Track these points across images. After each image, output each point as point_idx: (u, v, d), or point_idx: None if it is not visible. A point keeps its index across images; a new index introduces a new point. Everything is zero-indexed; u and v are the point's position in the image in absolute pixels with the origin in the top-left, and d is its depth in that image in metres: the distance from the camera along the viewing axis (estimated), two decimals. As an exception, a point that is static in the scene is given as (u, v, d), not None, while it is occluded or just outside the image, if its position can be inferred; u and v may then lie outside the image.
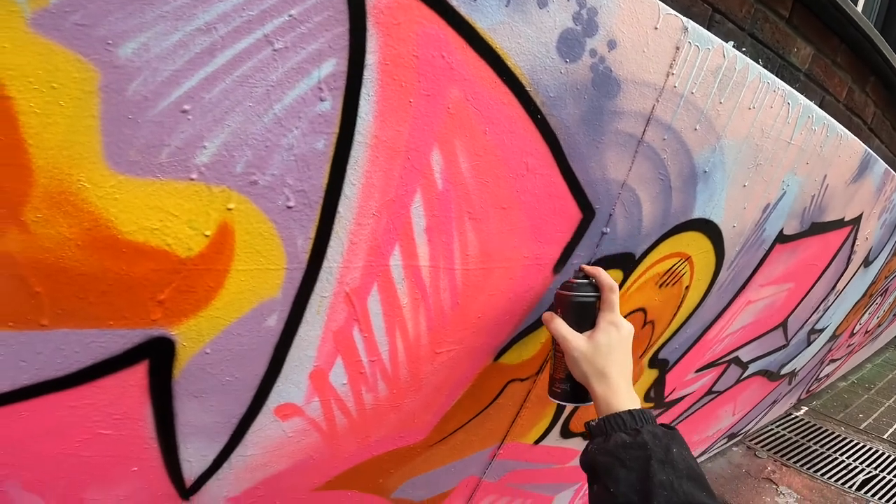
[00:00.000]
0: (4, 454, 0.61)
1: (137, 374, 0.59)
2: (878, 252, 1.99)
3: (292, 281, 0.60)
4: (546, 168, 0.68)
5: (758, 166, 0.93)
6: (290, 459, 0.83)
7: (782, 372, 2.33)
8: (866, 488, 2.80)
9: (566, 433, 1.31)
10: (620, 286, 0.93)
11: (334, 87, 0.52)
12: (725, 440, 2.81)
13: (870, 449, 3.18)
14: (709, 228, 0.96)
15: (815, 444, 3.21)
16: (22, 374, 0.54)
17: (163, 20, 0.43)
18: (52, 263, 0.47)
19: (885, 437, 3.34)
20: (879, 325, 3.60)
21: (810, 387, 3.31)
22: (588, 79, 0.65)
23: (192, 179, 0.49)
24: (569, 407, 1.18)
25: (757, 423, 3.04)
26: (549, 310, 0.77)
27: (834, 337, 2.62)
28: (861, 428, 3.45)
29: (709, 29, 0.75)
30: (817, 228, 1.31)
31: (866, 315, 2.95)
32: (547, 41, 0.60)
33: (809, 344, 2.27)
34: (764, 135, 0.89)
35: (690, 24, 0.70)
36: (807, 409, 3.61)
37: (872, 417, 3.59)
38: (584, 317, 0.71)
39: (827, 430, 3.37)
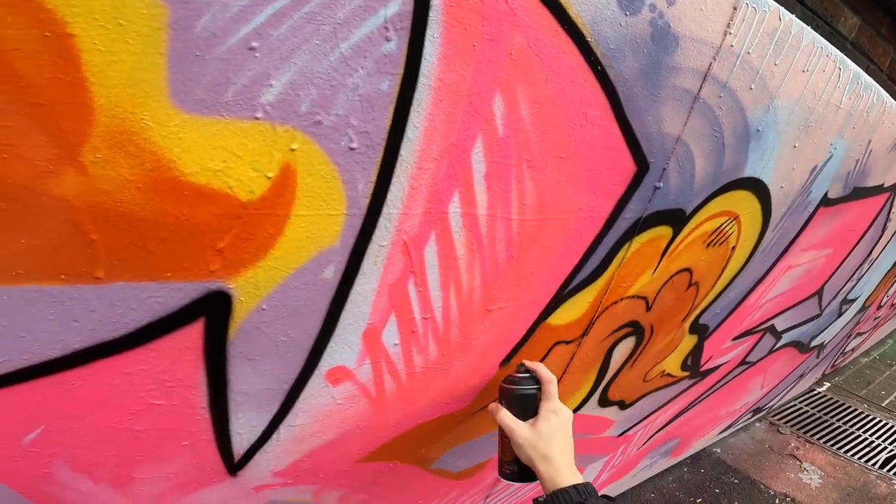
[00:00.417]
0: (53, 431, 0.60)
1: (193, 335, 0.58)
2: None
3: (351, 228, 0.58)
4: (604, 119, 0.69)
5: (808, 128, 0.96)
6: (337, 429, 0.82)
7: (812, 344, 2.36)
8: (889, 466, 2.85)
9: (604, 402, 1.32)
10: (669, 244, 0.95)
11: (400, 28, 0.51)
12: (750, 415, 2.84)
13: (892, 427, 3.23)
14: (758, 188, 1.00)
15: (837, 420, 3.26)
16: (74, 337, 0.52)
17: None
18: (110, 208, 0.46)
19: (907, 415, 3.39)
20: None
21: (835, 361, 3.36)
22: (647, 33, 0.65)
23: (256, 118, 0.48)
24: (609, 374, 1.19)
25: (782, 397, 3.08)
26: (494, 401, 0.85)
27: (863, 308, 2.66)
28: (883, 405, 3.50)
29: (760, -6, 0.75)
30: (859, 193, 1.35)
31: (894, 286, 2.97)
32: (608, -7, 0.60)
33: (840, 315, 2.30)
34: (815, 97, 0.92)
35: (747, -14, 0.70)
36: (829, 385, 3.65)
37: (894, 395, 3.64)
38: (527, 407, 0.80)
39: (850, 407, 3.41)
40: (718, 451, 2.85)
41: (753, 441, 3.00)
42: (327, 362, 0.70)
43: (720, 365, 1.68)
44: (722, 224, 1.01)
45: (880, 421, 3.28)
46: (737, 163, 0.90)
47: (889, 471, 2.81)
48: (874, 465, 2.87)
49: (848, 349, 3.38)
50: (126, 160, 0.44)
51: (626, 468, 2.04)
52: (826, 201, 1.24)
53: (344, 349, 0.69)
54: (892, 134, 1.25)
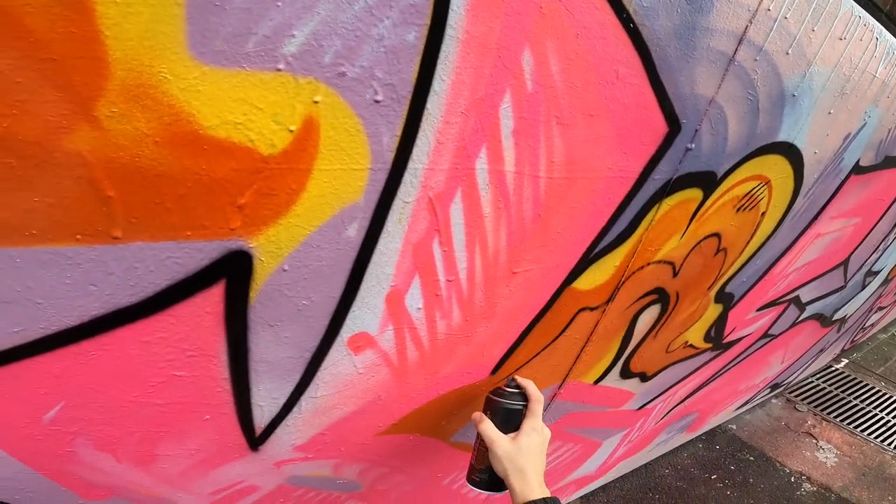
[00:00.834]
0: (74, 406, 0.60)
1: (213, 299, 0.57)
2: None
3: (375, 183, 0.57)
4: (636, 78, 0.68)
5: (843, 95, 0.97)
6: (359, 400, 0.82)
7: (835, 317, 2.36)
8: (905, 447, 2.87)
9: (626, 373, 1.32)
10: (699, 207, 0.95)
11: (427, -23, 0.49)
12: (768, 390, 2.85)
13: (910, 407, 3.24)
14: (791, 153, 1.00)
15: (854, 398, 3.27)
16: (92, 303, 0.52)
17: None
18: (126, 163, 0.45)
19: (925, 394, 3.39)
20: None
21: (855, 336, 3.36)
22: (681, -7, 0.64)
23: (278, 70, 0.46)
24: (632, 343, 1.19)
25: (801, 373, 3.09)
26: (480, 411, 0.87)
27: (886, 281, 2.65)
28: (901, 383, 3.51)
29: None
30: (890, 162, 1.36)
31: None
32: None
33: (864, 287, 2.30)
34: (852, 66, 0.94)
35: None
36: (847, 361, 3.65)
37: (912, 373, 3.65)
38: (511, 421, 0.84)
39: (867, 385, 3.42)
40: (734, 427, 2.87)
41: (770, 418, 3.01)
42: (349, 328, 0.69)
43: (743, 337, 1.68)
44: (753, 188, 1.01)
45: (898, 400, 3.30)
46: (771, 127, 0.91)
47: (905, 452, 2.83)
48: (890, 444, 2.89)
49: (868, 324, 3.37)
50: (143, 114, 0.43)
51: (642, 443, 2.06)
52: (858, 169, 1.25)
53: (366, 314, 0.69)
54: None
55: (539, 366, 1.04)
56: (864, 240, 1.73)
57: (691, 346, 1.44)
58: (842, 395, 3.28)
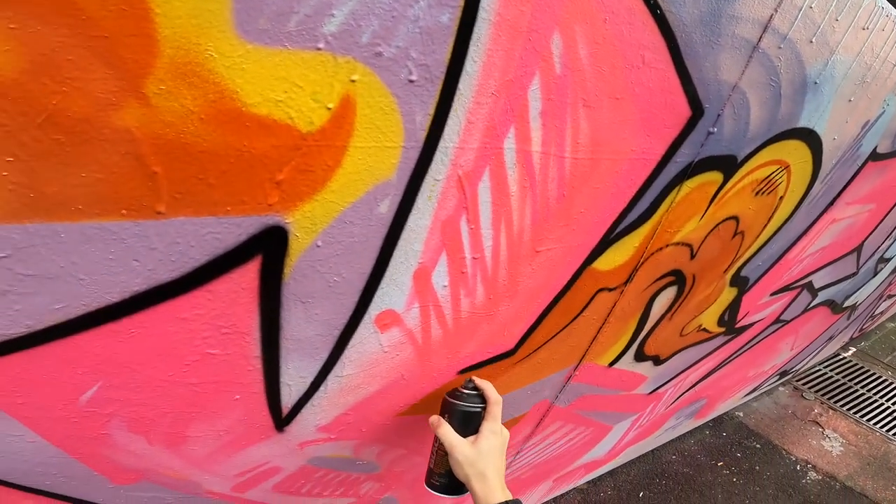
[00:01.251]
0: (111, 387, 0.62)
1: (249, 275, 0.59)
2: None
3: (408, 161, 0.59)
4: (661, 63, 0.70)
5: (864, 84, 1.00)
6: (383, 380, 0.84)
7: (845, 304, 2.39)
8: (909, 437, 2.90)
9: (640, 356, 1.34)
10: (719, 190, 0.96)
11: (460, -40, 0.50)
12: (777, 377, 2.88)
13: (915, 396, 3.28)
14: (811, 139, 1.03)
15: (861, 387, 3.30)
16: (134, 279, 0.53)
17: None
18: (172, 139, 0.46)
19: (931, 385, 3.42)
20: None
21: (864, 325, 3.39)
22: (707, -20, 0.66)
23: (318, 49, 0.48)
24: (647, 325, 1.21)
25: (809, 361, 3.12)
26: (437, 414, 0.87)
27: None
28: (908, 374, 3.54)
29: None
30: None
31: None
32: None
33: (876, 274, 2.33)
34: (874, 55, 0.96)
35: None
36: (854, 350, 3.68)
37: (920, 363, 3.68)
38: (470, 424, 0.83)
39: (874, 374, 3.45)
40: (741, 415, 2.91)
41: (777, 406, 3.05)
42: (377, 305, 0.71)
43: (755, 322, 1.70)
44: (772, 173, 1.04)
45: (904, 390, 3.33)
46: (792, 113, 0.93)
47: (909, 443, 2.87)
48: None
49: (877, 312, 3.40)
50: (189, 91, 0.45)
51: (651, 428, 2.09)
52: (875, 156, 1.28)
53: (394, 291, 0.71)
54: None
55: (557, 346, 1.06)
56: (877, 226, 1.76)
57: (705, 329, 1.46)
58: (849, 384, 3.32)
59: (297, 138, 0.51)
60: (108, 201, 0.47)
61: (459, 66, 0.56)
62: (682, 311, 1.28)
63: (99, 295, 0.53)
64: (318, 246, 0.60)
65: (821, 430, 2.93)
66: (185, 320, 0.59)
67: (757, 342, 1.92)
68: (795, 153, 1.04)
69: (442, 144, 0.60)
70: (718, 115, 0.82)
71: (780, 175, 1.06)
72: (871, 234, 1.76)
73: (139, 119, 0.44)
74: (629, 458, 2.36)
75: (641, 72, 0.69)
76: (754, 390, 2.80)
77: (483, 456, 0.79)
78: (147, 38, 0.41)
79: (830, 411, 3.07)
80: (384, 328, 0.75)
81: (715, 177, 0.93)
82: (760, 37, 0.76)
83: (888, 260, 2.31)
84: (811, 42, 0.83)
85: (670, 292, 1.16)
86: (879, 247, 1.98)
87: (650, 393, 1.64)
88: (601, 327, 1.10)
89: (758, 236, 1.20)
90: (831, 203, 1.32)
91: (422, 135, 0.58)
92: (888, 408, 3.15)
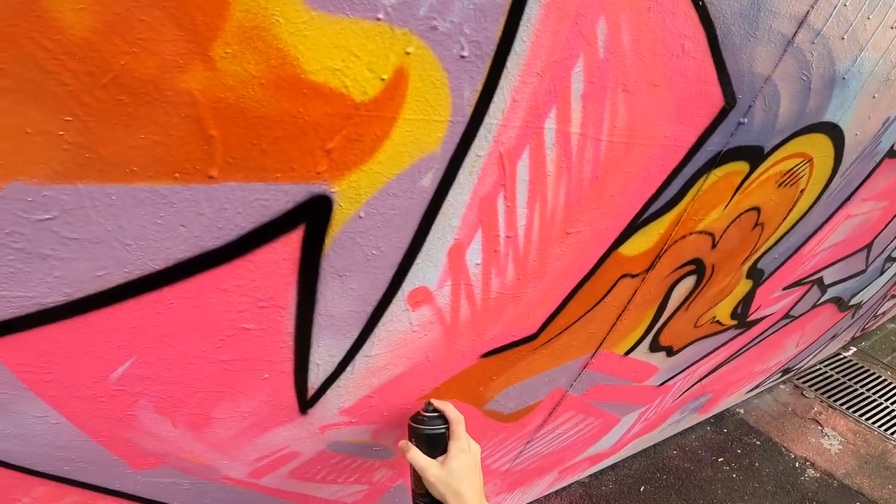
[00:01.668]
0: (144, 363, 0.62)
1: (291, 245, 0.59)
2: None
3: (453, 135, 0.60)
4: (700, 52, 0.72)
5: (888, 81, 1.02)
6: (409, 361, 0.85)
7: (851, 302, 2.42)
8: (907, 437, 2.95)
9: (655, 346, 1.36)
10: (744, 180, 0.98)
11: (516, -59, 0.51)
12: (779, 374, 2.92)
13: (913, 397, 3.32)
14: (835, 133, 1.05)
15: (861, 386, 3.34)
16: (179, 246, 0.54)
17: None
18: (232, 104, 0.47)
19: (930, 386, 3.46)
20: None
21: (867, 324, 3.43)
22: (749, -25, 0.68)
23: (378, 19, 0.49)
24: (665, 314, 1.23)
25: (811, 359, 3.16)
26: (406, 439, 0.90)
27: None
28: (907, 374, 3.59)
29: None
30: None
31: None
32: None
33: (882, 272, 2.36)
34: None
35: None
36: (855, 349, 3.73)
37: (920, 364, 3.73)
38: (436, 445, 0.86)
39: (874, 374, 3.49)
40: (742, 411, 2.95)
41: (777, 403, 3.09)
42: (411, 282, 0.72)
43: (765, 317, 1.73)
44: (796, 165, 1.06)
45: (902, 390, 3.37)
46: (819, 107, 0.95)
47: (907, 443, 2.91)
48: (894, 434, 2.97)
49: (880, 311, 3.45)
50: (253, 56, 0.45)
51: (657, 422, 2.12)
52: (892, 153, 1.31)
53: (428, 267, 0.72)
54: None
55: (577, 332, 1.08)
56: (888, 224, 1.79)
57: (718, 322, 1.49)
58: (849, 383, 3.36)
59: (351, 107, 0.52)
60: (162, 164, 0.48)
61: (509, 44, 0.57)
62: (699, 302, 1.30)
63: (143, 262, 0.53)
64: (361, 217, 0.61)
65: (820, 428, 2.97)
66: (225, 291, 0.60)
67: (765, 337, 1.95)
68: (819, 147, 1.06)
69: (486, 121, 0.61)
70: (750, 107, 0.84)
71: (803, 168, 1.08)
72: (881, 231, 1.79)
73: (202, 82, 0.45)
74: (632, 451, 2.38)
75: (680, 60, 0.71)
76: (757, 387, 2.83)
77: (454, 475, 0.81)
78: (219, 0, 0.42)
79: (830, 410, 3.11)
80: (416, 306, 0.76)
81: (741, 167, 0.95)
82: (796, 32, 0.78)
83: (895, 259, 2.36)
84: (843, 39, 0.85)
85: (689, 281, 1.18)
86: (888, 245, 2.02)
87: (660, 385, 1.66)
88: (621, 314, 1.12)
89: (777, 228, 1.22)
90: (848, 198, 1.35)
91: (468, 110, 0.59)
92: (887, 407, 3.19)
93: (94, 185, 0.47)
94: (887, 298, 3.20)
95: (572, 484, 2.24)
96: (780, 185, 1.07)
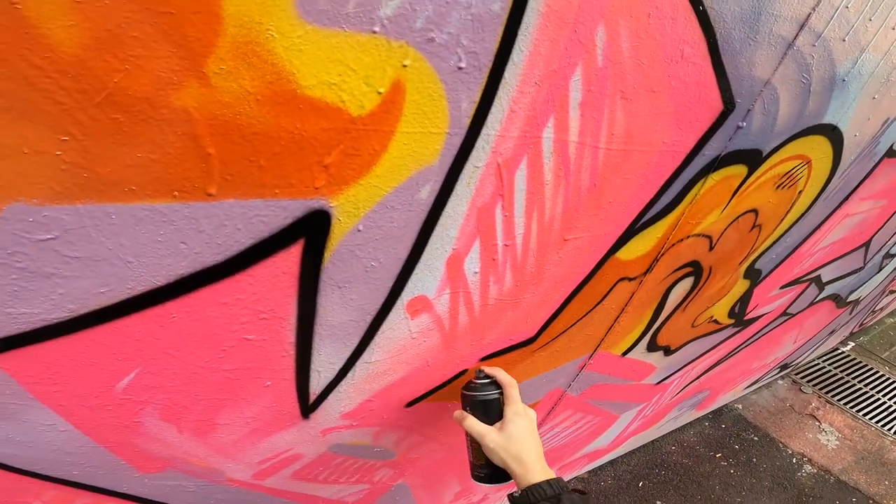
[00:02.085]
0: (148, 373, 0.62)
1: (291, 259, 0.59)
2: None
3: (451, 147, 0.59)
4: (699, 58, 0.71)
5: (888, 82, 1.02)
6: (408, 366, 0.85)
7: (849, 298, 2.42)
8: (904, 433, 2.94)
9: (652, 346, 1.36)
10: (742, 182, 0.98)
11: (513, -50, 0.51)
12: (777, 370, 2.92)
13: (912, 393, 3.31)
14: (834, 135, 1.05)
15: (859, 382, 3.32)
16: (180, 262, 0.53)
17: None
18: (228, 121, 0.46)
19: (928, 380, 3.45)
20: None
21: (865, 319, 3.43)
22: (751, -21, 0.67)
23: (374, 32, 0.48)
24: (662, 316, 1.23)
25: (809, 354, 3.15)
26: (459, 409, 0.88)
27: None
28: (904, 369, 3.58)
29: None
30: None
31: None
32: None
33: (881, 269, 2.36)
34: None
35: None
36: (853, 344, 3.71)
37: (917, 358, 3.72)
38: (492, 411, 0.84)
39: (871, 369, 3.47)
40: (740, 407, 2.95)
41: (775, 399, 3.08)
42: (410, 291, 0.72)
43: (763, 315, 1.72)
44: (794, 167, 1.06)
45: (900, 385, 3.36)
46: (819, 109, 0.95)
47: (904, 438, 2.90)
48: (891, 429, 2.96)
49: (878, 307, 3.45)
50: (248, 72, 0.45)
51: (655, 418, 2.12)
52: (891, 153, 1.31)
53: (427, 277, 0.71)
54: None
55: (575, 335, 1.08)
56: (887, 221, 1.79)
57: (715, 321, 1.48)
58: (846, 379, 3.35)
59: (348, 122, 0.51)
60: (161, 182, 0.47)
61: (507, 54, 0.56)
62: (696, 302, 1.30)
63: (145, 278, 0.53)
64: (359, 230, 0.60)
65: (818, 423, 2.97)
66: (226, 305, 0.60)
67: (763, 334, 1.95)
68: (818, 148, 1.05)
69: (484, 132, 0.61)
70: (749, 110, 0.83)
71: (801, 170, 1.07)
72: (880, 229, 1.79)
73: (198, 99, 0.44)
74: (630, 448, 2.39)
75: (679, 66, 0.70)
76: (755, 383, 2.83)
77: (513, 440, 0.79)
78: (212, 16, 0.41)
79: (828, 405, 3.11)
80: (414, 314, 0.76)
81: (739, 170, 0.94)
82: (797, 34, 0.77)
83: (894, 256, 2.35)
84: (844, 40, 0.84)
85: (686, 283, 1.18)
86: (887, 242, 2.02)
87: (658, 383, 1.66)
88: (618, 317, 1.12)
89: (774, 229, 1.22)
90: (846, 198, 1.34)
91: (466, 122, 0.58)
92: (884, 402, 3.19)
93: (93, 204, 0.46)
94: (885, 294, 3.19)
95: (571, 480, 2.25)
96: (778, 186, 1.07)
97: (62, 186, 0.45)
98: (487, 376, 0.87)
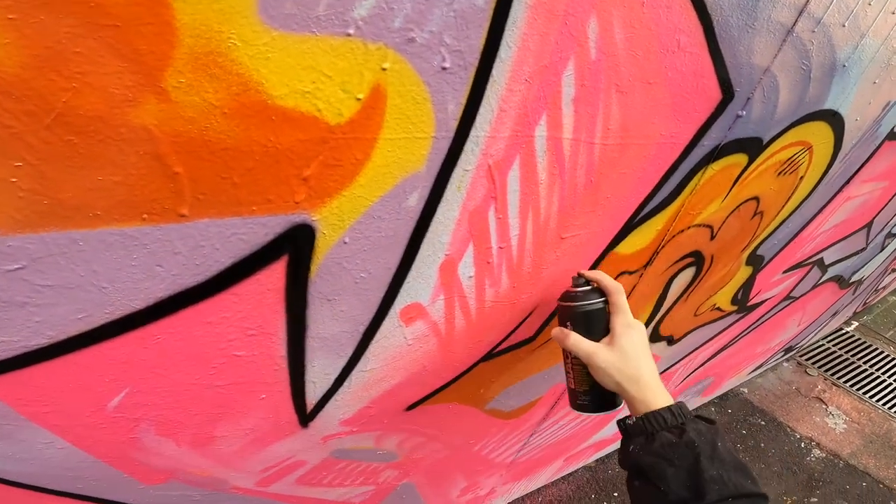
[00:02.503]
0: (139, 392, 0.60)
1: (275, 276, 0.56)
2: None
3: (438, 151, 0.56)
4: (696, 47, 0.67)
5: (889, 66, 0.99)
6: (405, 372, 0.83)
7: (852, 279, 2.38)
8: (910, 414, 2.91)
9: (655, 337, 1.33)
10: (743, 171, 0.95)
11: (496, -61, 0.47)
12: (782, 353, 2.88)
13: (917, 373, 3.26)
14: (835, 120, 1.02)
15: (864, 363, 3.29)
16: (158, 285, 0.50)
17: None
18: (194, 137, 0.43)
19: (932, 360, 3.41)
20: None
21: (868, 298, 3.39)
22: (747, -36, 0.63)
23: (348, 35, 0.44)
24: (664, 307, 1.19)
25: (813, 336, 3.11)
26: (557, 326, 0.76)
27: None
28: (910, 347, 3.53)
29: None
30: None
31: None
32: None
33: (883, 248, 2.33)
34: None
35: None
36: (857, 324, 3.67)
37: (922, 337, 3.67)
38: (596, 324, 0.72)
39: (876, 349, 3.44)
40: (745, 391, 2.91)
41: (781, 382, 3.04)
42: (403, 300, 0.69)
43: (766, 300, 1.69)
44: (796, 153, 1.03)
45: (906, 366, 3.31)
46: (819, 95, 0.91)
47: (911, 419, 2.87)
48: None
49: (882, 286, 3.41)
50: (211, 84, 0.41)
51: (660, 405, 2.09)
52: (892, 135, 1.27)
53: (420, 284, 0.68)
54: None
55: (576, 332, 1.05)
56: (888, 202, 1.76)
57: (718, 308, 1.45)
58: (851, 360, 3.31)
59: (325, 131, 0.48)
60: (127, 205, 0.44)
61: (494, 51, 0.52)
62: (698, 292, 1.27)
63: (122, 303, 0.50)
64: (346, 242, 0.57)
65: (824, 406, 2.93)
66: (211, 324, 0.57)
67: (766, 319, 1.92)
68: (819, 134, 1.02)
69: (473, 133, 0.57)
70: (748, 99, 0.80)
71: (802, 156, 1.05)
72: (881, 209, 1.76)
73: (158, 116, 0.41)
74: (637, 434, 2.36)
75: (676, 56, 0.66)
76: (760, 367, 2.80)
77: (628, 356, 0.68)
78: (164, 27, 0.37)
79: (834, 387, 3.07)
80: (409, 322, 0.73)
81: (740, 159, 0.91)
82: (796, 20, 0.74)
83: (895, 235, 2.31)
84: (843, 26, 0.81)
85: (688, 273, 1.15)
86: (888, 222, 1.99)
87: (662, 373, 1.63)
88: (620, 311, 1.09)
89: (776, 215, 1.19)
90: (848, 181, 1.32)
91: (453, 124, 0.55)
92: (890, 384, 3.15)
93: (58, 231, 0.43)
94: (888, 273, 3.15)
95: (579, 469, 2.24)
96: (779, 173, 1.04)
97: (22, 214, 0.41)
98: (588, 282, 0.74)
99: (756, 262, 1.34)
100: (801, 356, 3.25)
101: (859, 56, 0.90)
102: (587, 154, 0.68)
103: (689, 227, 0.98)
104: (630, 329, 0.70)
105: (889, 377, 3.21)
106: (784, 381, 3.07)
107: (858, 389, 3.07)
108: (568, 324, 0.73)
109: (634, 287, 1.04)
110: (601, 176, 0.73)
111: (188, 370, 0.60)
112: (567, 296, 0.74)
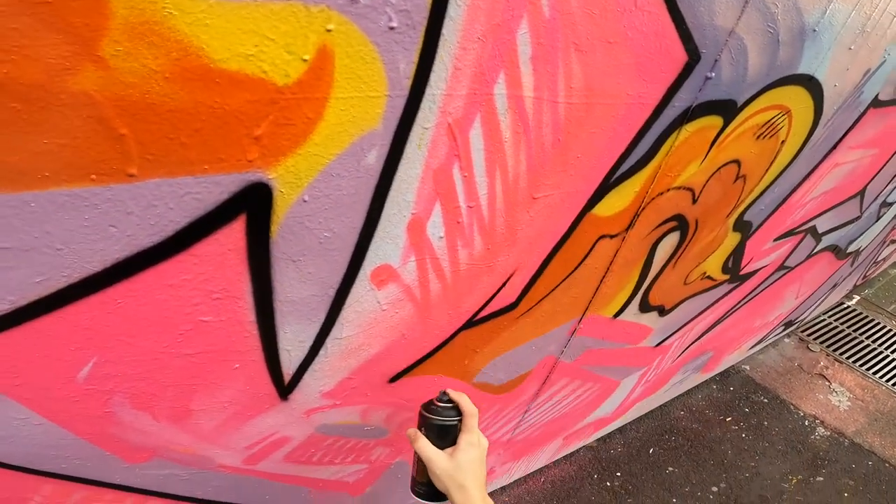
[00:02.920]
0: (107, 362, 0.61)
1: (235, 235, 0.57)
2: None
3: (394, 110, 0.57)
4: (654, 7, 0.69)
5: (864, 33, 1.01)
6: (384, 339, 0.84)
7: (849, 249, 2.38)
8: (913, 391, 2.88)
9: (645, 306, 1.34)
10: (719, 134, 0.96)
11: None
12: (782, 328, 2.88)
13: (919, 348, 3.23)
14: (812, 85, 1.04)
15: (866, 338, 3.27)
16: (113, 245, 0.52)
17: None
18: (137, 100, 0.44)
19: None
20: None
21: (868, 271, 3.38)
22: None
23: None
24: (651, 273, 1.20)
25: (814, 310, 3.11)
26: (413, 427, 0.88)
27: None
28: (912, 322, 3.50)
29: None
30: None
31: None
32: None
33: (879, 218, 2.32)
34: (873, 5, 0.97)
35: None
36: (858, 298, 3.64)
37: (923, 310, 3.63)
38: (446, 437, 0.84)
39: (878, 324, 3.42)
40: (747, 368, 2.90)
41: (783, 358, 3.03)
42: (371, 261, 0.70)
43: (759, 269, 1.70)
44: (773, 117, 1.04)
45: (908, 341, 3.28)
46: (791, 59, 0.93)
47: (915, 396, 2.85)
48: None
49: (881, 258, 3.39)
50: (150, 51, 0.42)
51: (659, 383, 2.11)
52: (876, 102, 1.29)
53: (388, 245, 0.70)
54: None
55: (559, 298, 1.06)
56: (880, 171, 1.76)
57: (709, 277, 1.46)
58: (854, 335, 3.29)
59: (273, 92, 0.49)
60: (74, 167, 0.46)
61: (442, 10, 0.54)
62: (686, 258, 1.28)
63: (79, 265, 0.52)
64: (305, 201, 0.58)
65: (827, 383, 2.92)
66: (173, 286, 0.58)
67: (762, 290, 1.93)
68: (796, 98, 1.04)
69: (429, 92, 0.58)
70: (716, 61, 0.81)
71: (781, 119, 1.06)
72: (873, 178, 1.76)
73: (97, 82, 0.42)
74: (637, 414, 2.38)
75: (634, 16, 0.67)
76: (760, 342, 2.80)
77: (461, 468, 0.80)
78: (95, 1, 0.39)
79: (836, 364, 3.06)
80: (381, 284, 0.74)
81: (714, 121, 0.93)
82: None
83: (891, 205, 2.31)
84: None
85: (673, 238, 1.15)
86: (882, 192, 1.99)
87: (656, 345, 1.64)
88: (604, 276, 1.10)
89: (760, 180, 1.20)
90: (833, 147, 1.33)
91: (406, 83, 0.56)
92: (893, 360, 3.13)
93: (8, 193, 0.45)
94: (886, 244, 3.14)
95: (581, 448, 2.26)
96: (758, 136, 1.05)
97: (-28, 178, 0.43)
98: (450, 400, 0.86)
99: (744, 228, 1.35)
100: (802, 331, 3.24)
101: (829, 21, 0.91)
102: (551, 112, 0.69)
103: (668, 190, 0.99)
104: (471, 447, 0.83)
105: (892, 353, 3.19)
106: (786, 357, 3.06)
107: (862, 365, 3.06)
108: (422, 429, 0.86)
109: (617, 252, 1.05)
110: (569, 135, 0.74)
111: (155, 337, 0.62)
112: (429, 407, 0.86)
